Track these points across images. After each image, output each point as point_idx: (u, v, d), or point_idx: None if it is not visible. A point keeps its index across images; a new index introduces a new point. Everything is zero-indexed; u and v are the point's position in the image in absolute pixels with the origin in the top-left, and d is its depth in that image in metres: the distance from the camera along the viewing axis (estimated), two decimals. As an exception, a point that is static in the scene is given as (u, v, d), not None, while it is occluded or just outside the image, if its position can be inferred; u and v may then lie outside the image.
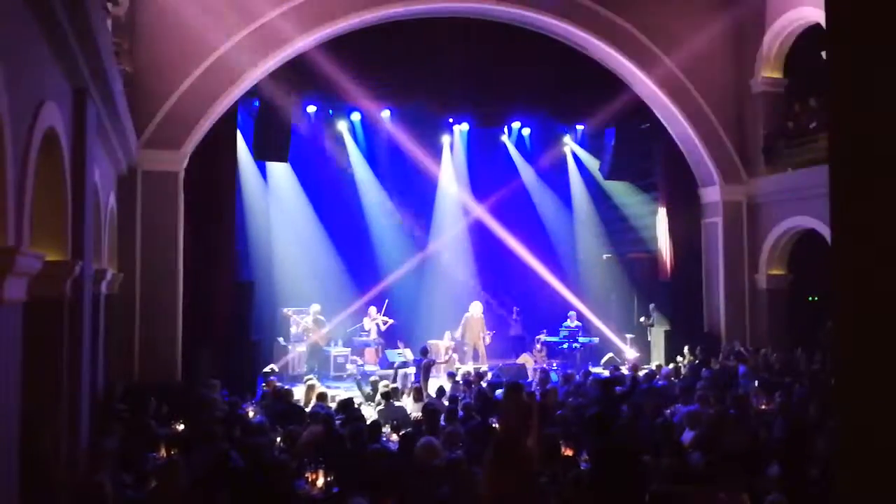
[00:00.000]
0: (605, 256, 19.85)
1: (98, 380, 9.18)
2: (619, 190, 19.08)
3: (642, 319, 17.16)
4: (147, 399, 9.24)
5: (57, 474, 6.04)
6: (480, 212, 19.20)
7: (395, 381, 12.79)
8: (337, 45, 13.38)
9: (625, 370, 13.94)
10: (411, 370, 14.37)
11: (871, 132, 1.54)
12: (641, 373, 12.26)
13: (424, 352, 13.54)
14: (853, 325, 1.60)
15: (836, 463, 1.65)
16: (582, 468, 6.36)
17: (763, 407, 9.64)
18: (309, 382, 11.41)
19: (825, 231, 13.51)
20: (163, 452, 7.58)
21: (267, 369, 12.12)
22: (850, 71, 1.62)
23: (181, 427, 8.90)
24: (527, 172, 19.83)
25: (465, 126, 18.79)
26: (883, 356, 1.52)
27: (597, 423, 6.06)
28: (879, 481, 1.56)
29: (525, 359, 16.80)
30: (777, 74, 15.65)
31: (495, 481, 5.07)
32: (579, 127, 19.03)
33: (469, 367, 15.31)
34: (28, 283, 5.13)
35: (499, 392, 10.80)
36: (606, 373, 13.23)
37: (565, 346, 17.58)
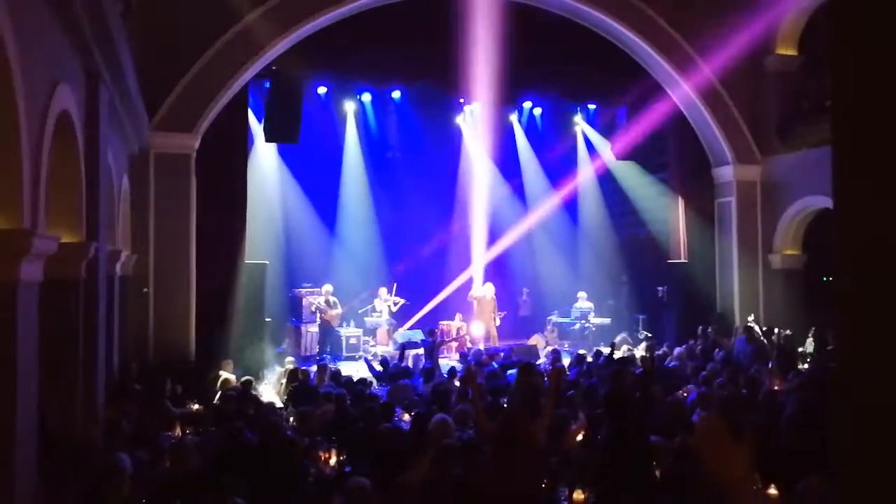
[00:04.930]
0: (616, 236, 19.78)
1: (113, 360, 9.28)
2: (632, 170, 18.97)
3: (659, 289, 17.05)
4: (162, 379, 9.33)
5: (73, 450, 6.13)
6: (494, 191, 19.16)
7: (401, 360, 12.86)
8: (348, 25, 13.33)
9: (638, 352, 13.93)
10: (422, 350, 14.42)
11: (875, 112, 1.52)
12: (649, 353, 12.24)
13: (432, 333, 13.56)
14: (855, 311, 1.59)
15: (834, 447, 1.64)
16: (593, 448, 6.38)
17: (776, 388, 9.62)
18: (320, 363, 11.50)
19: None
20: (178, 431, 7.68)
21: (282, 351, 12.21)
22: (853, 50, 1.60)
23: (195, 407, 9.01)
24: (536, 152, 19.73)
25: (476, 106, 18.69)
26: (885, 342, 1.51)
27: (612, 402, 6.06)
28: (876, 462, 1.55)
29: (536, 340, 16.83)
30: (792, 52, 15.47)
31: (502, 459, 5.10)
32: (591, 107, 18.93)
33: (480, 347, 15.34)
34: (44, 265, 5.18)
35: (510, 372, 10.85)
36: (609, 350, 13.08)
37: (577, 326, 17.59)
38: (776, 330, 13.90)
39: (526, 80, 16.13)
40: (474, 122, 19.11)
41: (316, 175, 17.80)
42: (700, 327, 14.53)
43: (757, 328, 13.77)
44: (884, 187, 1.49)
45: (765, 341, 12.72)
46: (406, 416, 8.28)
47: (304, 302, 16.29)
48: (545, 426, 5.43)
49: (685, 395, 9.20)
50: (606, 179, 19.67)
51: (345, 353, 15.83)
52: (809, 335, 13.18)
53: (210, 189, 12.78)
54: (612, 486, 5.62)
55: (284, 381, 10.84)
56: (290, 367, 11.55)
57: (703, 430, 2.06)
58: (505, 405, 7.74)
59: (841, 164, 1.59)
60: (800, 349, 13.06)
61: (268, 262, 14.66)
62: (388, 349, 15.59)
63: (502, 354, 13.49)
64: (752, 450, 2.03)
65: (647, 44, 14.68)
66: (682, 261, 16.65)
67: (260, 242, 15.50)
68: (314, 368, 11.37)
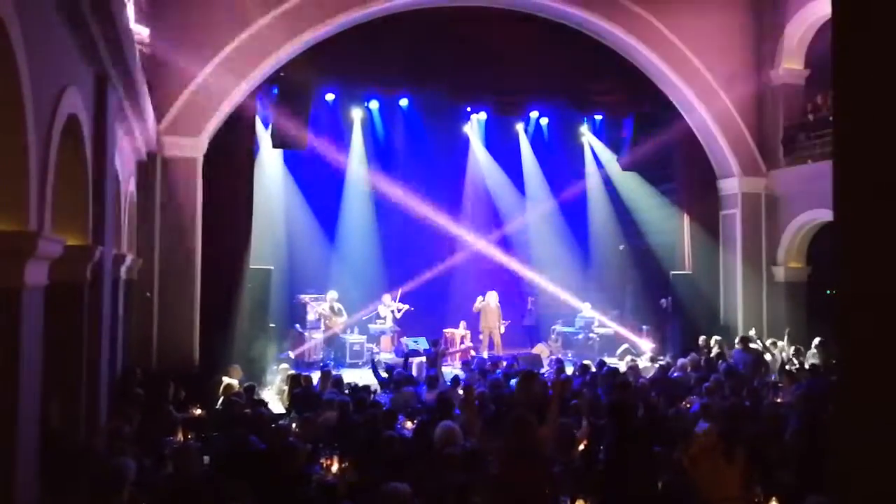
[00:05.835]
0: (621, 247, 19.77)
1: (117, 363, 9.28)
2: (637, 181, 18.97)
3: (662, 301, 17.03)
4: (165, 384, 9.33)
5: (75, 455, 6.13)
6: (499, 199, 19.21)
7: (405, 367, 12.86)
8: (357, 33, 13.38)
9: (641, 362, 13.90)
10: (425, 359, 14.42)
11: (877, 126, 1.52)
12: (653, 364, 12.21)
13: (435, 342, 13.57)
14: (856, 325, 1.59)
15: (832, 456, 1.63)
16: (597, 458, 6.37)
17: (779, 400, 9.59)
18: (324, 369, 11.51)
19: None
20: (180, 436, 7.68)
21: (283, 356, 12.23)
22: (855, 64, 1.60)
23: (198, 412, 9.01)
24: (542, 162, 19.74)
25: (482, 115, 18.74)
26: (887, 356, 1.50)
27: (617, 412, 6.04)
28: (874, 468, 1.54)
29: (540, 349, 16.81)
30: (798, 66, 15.48)
31: (508, 467, 5.08)
32: (597, 117, 18.95)
33: (484, 356, 15.34)
34: (49, 267, 5.19)
35: (513, 381, 10.83)
36: (621, 363, 13.16)
37: (581, 336, 17.56)
38: (779, 343, 13.86)
39: (533, 90, 16.17)
40: (481, 131, 19.15)
41: (321, 181, 17.83)
42: (702, 338, 14.48)
43: (758, 340, 13.76)
44: (885, 201, 1.49)
45: (762, 352, 12.71)
46: (409, 424, 8.27)
47: (309, 308, 16.30)
48: (550, 435, 5.42)
49: (688, 405, 9.18)
50: (612, 190, 19.67)
51: (348, 360, 15.83)
52: (812, 347, 13.12)
53: (216, 193, 12.79)
54: (613, 496, 5.61)
55: (286, 387, 10.84)
56: (289, 372, 11.56)
57: (695, 448, 2.03)
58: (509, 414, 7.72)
59: (842, 178, 1.59)
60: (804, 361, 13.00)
61: (272, 268, 14.68)
62: (391, 356, 15.58)
63: (505, 363, 13.48)
64: (745, 470, 2.00)
65: (653, 55, 14.69)
66: (686, 272, 16.61)
67: (264, 248, 15.53)
68: (317, 375, 11.37)
